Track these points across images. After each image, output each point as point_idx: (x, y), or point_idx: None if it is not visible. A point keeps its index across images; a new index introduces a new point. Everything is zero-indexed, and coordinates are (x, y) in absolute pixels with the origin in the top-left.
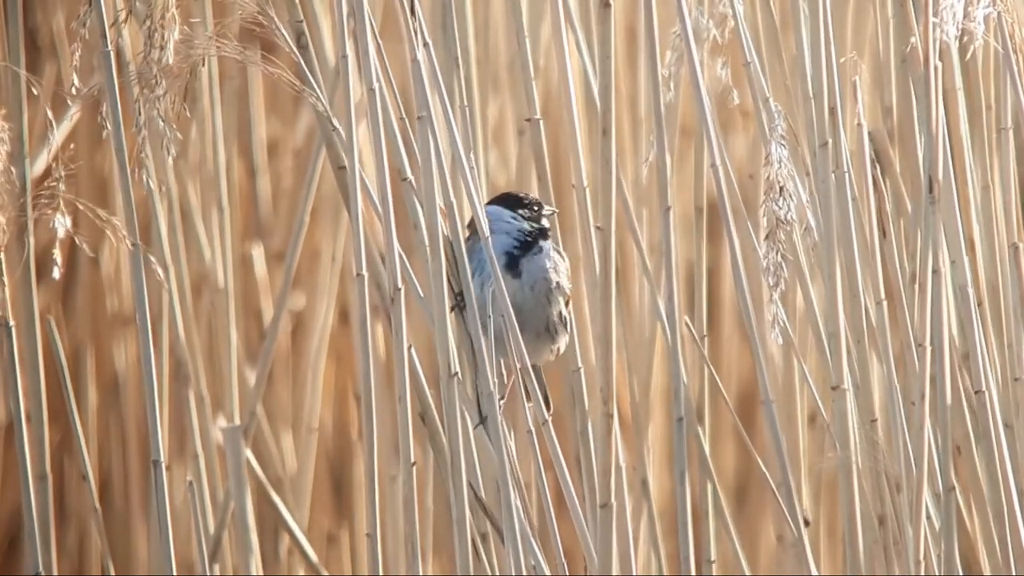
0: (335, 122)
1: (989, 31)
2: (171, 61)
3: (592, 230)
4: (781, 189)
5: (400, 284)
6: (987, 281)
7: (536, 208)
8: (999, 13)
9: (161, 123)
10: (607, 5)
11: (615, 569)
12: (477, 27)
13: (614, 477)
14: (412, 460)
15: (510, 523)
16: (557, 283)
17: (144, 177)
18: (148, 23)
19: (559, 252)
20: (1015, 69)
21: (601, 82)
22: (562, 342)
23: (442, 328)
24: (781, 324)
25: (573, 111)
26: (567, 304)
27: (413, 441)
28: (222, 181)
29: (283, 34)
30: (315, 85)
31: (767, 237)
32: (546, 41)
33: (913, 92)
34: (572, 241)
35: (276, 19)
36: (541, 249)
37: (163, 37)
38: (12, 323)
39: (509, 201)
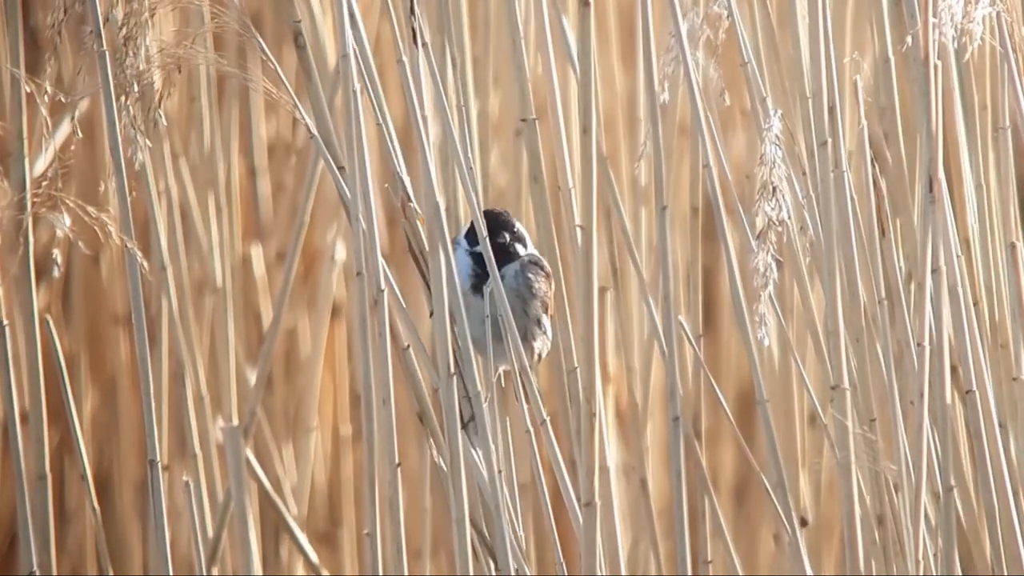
0: (312, 128)
1: (989, 31)
2: (143, 66)
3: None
4: (774, 190)
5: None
6: (983, 281)
7: (511, 227)
8: (998, 13)
9: (132, 129)
10: (586, 4)
11: (601, 569)
12: (475, 25)
13: (598, 476)
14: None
15: (498, 531)
16: (533, 294)
17: (142, 177)
18: (124, 29)
19: (537, 263)
20: (1014, 69)
21: (581, 80)
22: (542, 347)
23: (441, 328)
24: (768, 324)
25: (558, 111)
26: (547, 311)
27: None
28: (222, 181)
29: (259, 43)
30: (290, 88)
31: (758, 237)
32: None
33: (895, 93)
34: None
35: (252, 27)
36: (514, 260)
37: (135, 43)
38: (6, 323)
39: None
